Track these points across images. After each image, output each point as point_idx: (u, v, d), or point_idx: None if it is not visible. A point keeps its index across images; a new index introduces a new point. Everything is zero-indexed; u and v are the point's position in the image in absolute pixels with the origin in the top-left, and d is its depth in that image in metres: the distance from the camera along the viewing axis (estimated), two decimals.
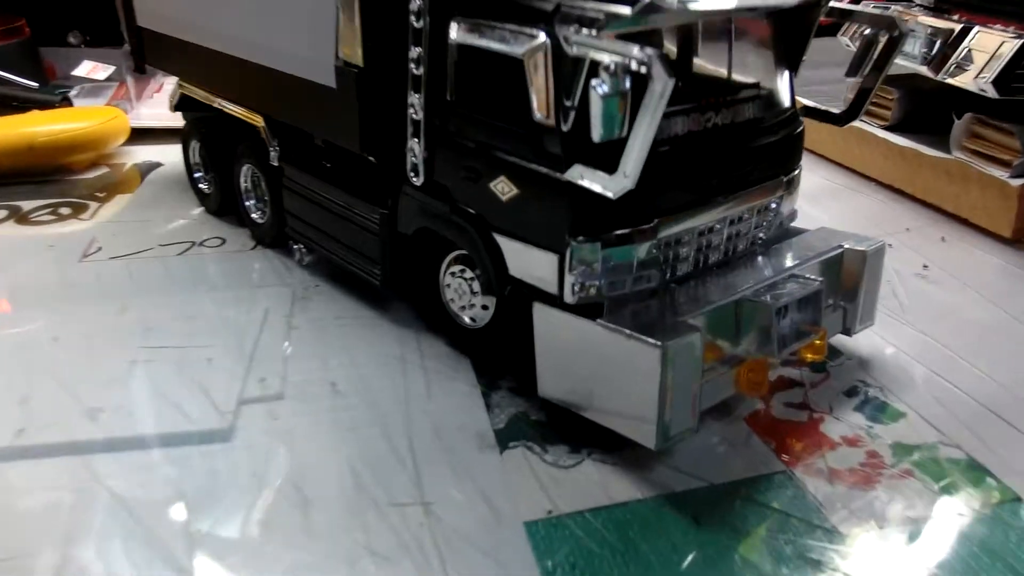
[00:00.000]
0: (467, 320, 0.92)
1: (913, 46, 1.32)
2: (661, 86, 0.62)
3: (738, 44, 0.82)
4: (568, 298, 0.77)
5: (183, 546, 0.67)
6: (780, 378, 0.92)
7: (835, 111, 0.94)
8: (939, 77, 1.28)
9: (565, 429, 0.82)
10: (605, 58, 0.64)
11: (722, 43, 0.82)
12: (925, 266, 1.17)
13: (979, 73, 1.23)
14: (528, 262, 0.80)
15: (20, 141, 1.49)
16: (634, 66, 0.62)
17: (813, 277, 0.83)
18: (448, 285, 0.93)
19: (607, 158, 0.68)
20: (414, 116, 0.86)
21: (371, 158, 0.93)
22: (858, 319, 0.92)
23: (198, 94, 1.27)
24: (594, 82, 0.63)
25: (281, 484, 0.74)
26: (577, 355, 0.77)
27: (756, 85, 0.85)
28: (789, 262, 0.87)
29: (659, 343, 0.70)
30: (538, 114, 0.74)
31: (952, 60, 1.28)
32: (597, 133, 0.65)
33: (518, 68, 0.74)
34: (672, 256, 0.81)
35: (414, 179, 0.89)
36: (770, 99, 0.87)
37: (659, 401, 0.71)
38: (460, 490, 0.74)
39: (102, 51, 2.01)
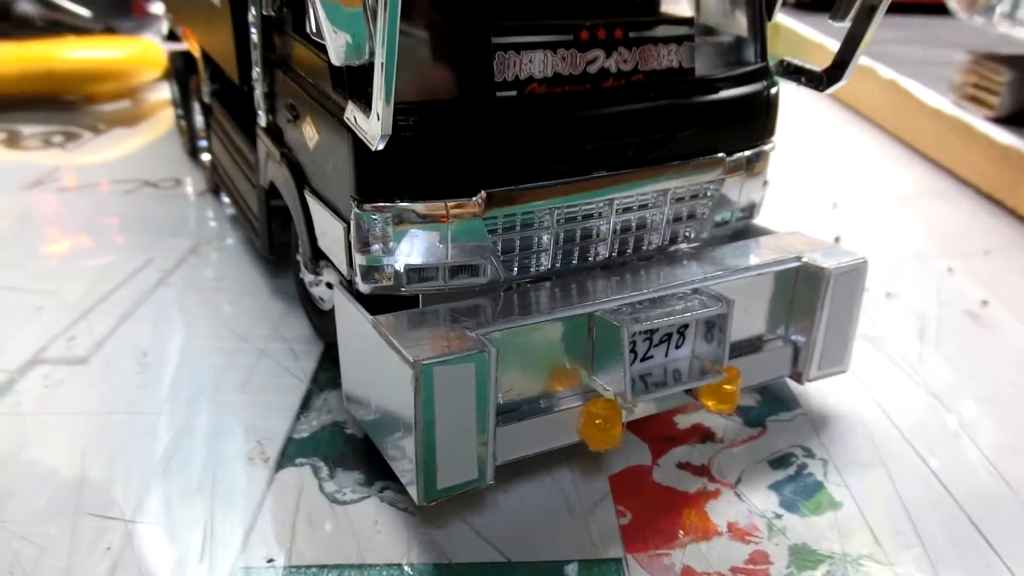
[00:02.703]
0: (319, 299, 0.75)
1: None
2: None
3: None
4: (360, 284, 0.58)
5: None
6: (696, 426, 0.68)
7: (815, 68, 0.67)
8: None
9: (373, 453, 0.63)
10: None
11: None
12: (985, 302, 0.87)
13: None
14: (327, 232, 0.62)
15: (39, 66, 1.44)
16: None
17: (719, 295, 0.59)
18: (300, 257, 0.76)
19: None
20: (253, 37, 0.69)
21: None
22: (815, 362, 0.66)
23: (171, 21, 1.17)
24: None
25: None
26: (364, 362, 0.58)
27: (687, 21, 0.62)
28: (707, 271, 0.63)
29: (412, 361, 0.49)
30: (313, 28, 0.55)
31: None
32: (334, 53, 0.46)
33: None
34: (517, 245, 0.59)
35: (260, 117, 0.73)
36: (715, 44, 0.64)
37: (415, 441, 0.51)
38: (182, 512, 0.58)
39: None
